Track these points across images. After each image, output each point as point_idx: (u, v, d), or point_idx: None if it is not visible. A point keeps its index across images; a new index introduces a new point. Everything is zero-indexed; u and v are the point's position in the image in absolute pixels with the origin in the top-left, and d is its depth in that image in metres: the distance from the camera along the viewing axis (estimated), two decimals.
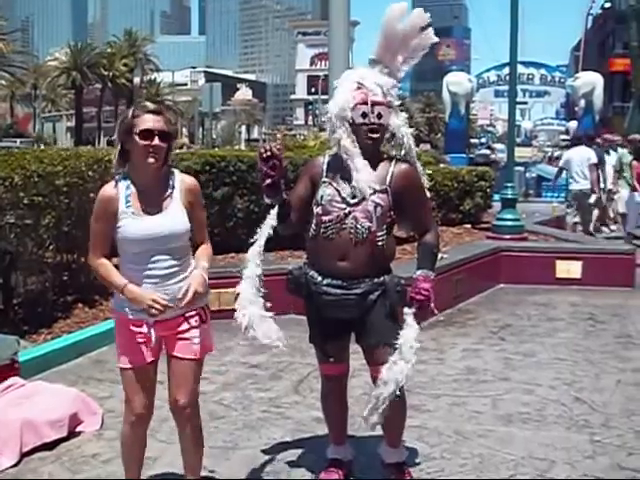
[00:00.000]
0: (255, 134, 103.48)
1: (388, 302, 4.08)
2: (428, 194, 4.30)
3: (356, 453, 4.59)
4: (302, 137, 25.35)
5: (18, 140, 48.53)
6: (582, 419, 5.49)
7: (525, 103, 29.44)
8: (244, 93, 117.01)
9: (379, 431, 4.30)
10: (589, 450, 4.93)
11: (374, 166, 4.04)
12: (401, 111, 4.23)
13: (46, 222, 7.26)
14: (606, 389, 6.18)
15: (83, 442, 5.03)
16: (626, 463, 4.74)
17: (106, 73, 76.84)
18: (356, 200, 3.99)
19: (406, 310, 4.07)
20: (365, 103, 4.00)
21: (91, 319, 7.63)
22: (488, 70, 28.87)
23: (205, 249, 3.92)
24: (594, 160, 14.92)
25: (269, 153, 3.74)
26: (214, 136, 57.69)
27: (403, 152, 4.14)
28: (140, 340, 3.74)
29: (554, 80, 28.38)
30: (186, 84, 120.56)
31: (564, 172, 15.77)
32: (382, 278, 4.09)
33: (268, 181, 3.81)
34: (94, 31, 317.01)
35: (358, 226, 3.96)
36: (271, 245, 9.32)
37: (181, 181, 3.79)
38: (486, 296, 9.89)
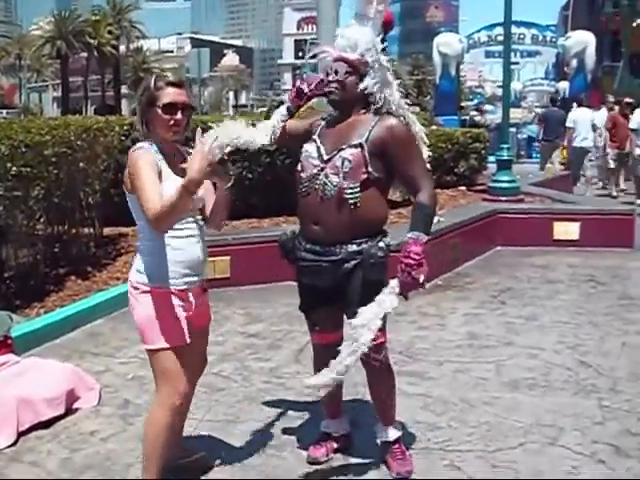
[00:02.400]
0: (243, 100, 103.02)
1: (361, 273, 3.88)
2: (424, 151, 4.12)
3: (355, 426, 4.49)
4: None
5: (4, 111, 47.97)
6: (589, 384, 5.40)
7: (517, 63, 29.14)
8: (231, 59, 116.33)
9: None
10: (598, 416, 4.85)
11: (350, 122, 3.94)
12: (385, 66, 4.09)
13: (35, 193, 7.10)
14: (611, 352, 6.10)
15: (80, 419, 4.91)
16: (636, 429, 4.65)
17: (92, 41, 76.05)
18: (330, 156, 3.88)
19: (392, 281, 3.79)
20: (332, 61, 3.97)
21: (84, 291, 7.49)
22: (479, 31, 28.49)
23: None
24: (596, 121, 17.49)
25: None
26: (202, 102, 57.31)
27: (384, 109, 3.97)
28: (185, 313, 3.59)
29: (545, 40, 28.06)
30: (172, 51, 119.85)
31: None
32: (362, 246, 3.89)
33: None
34: None
35: (327, 182, 3.84)
36: (265, 212, 9.28)
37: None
38: (484, 259, 9.78)
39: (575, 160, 17.58)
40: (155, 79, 3.59)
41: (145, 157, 3.49)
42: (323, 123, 4.09)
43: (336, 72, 3.90)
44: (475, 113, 23.23)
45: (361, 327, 3.68)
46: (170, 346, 3.54)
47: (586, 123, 17.28)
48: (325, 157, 3.89)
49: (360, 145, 3.84)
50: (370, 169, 3.83)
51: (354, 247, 3.87)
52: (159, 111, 3.52)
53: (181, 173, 3.47)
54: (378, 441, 4.21)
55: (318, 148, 3.94)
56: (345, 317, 4.05)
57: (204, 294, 3.79)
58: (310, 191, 3.90)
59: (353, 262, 3.87)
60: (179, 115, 3.53)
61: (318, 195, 3.86)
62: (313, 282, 3.99)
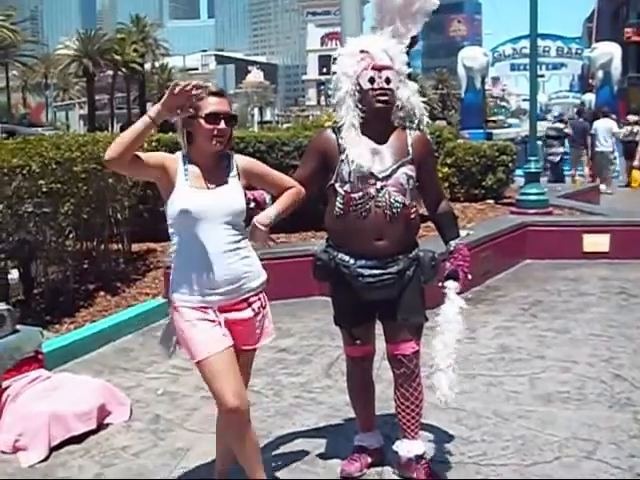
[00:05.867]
0: (268, 116, 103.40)
1: (423, 278, 4.00)
2: None
3: (389, 441, 4.38)
4: (314, 117, 25.11)
5: (39, 129, 48.02)
6: (624, 397, 5.32)
7: (542, 76, 28.97)
8: (255, 75, 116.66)
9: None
10: (634, 429, 4.77)
11: (388, 135, 3.93)
12: (412, 80, 4.10)
13: (65, 210, 7.13)
14: None
15: (112, 434, 4.91)
16: None
17: (118, 58, 76.59)
18: (386, 173, 3.84)
19: (449, 284, 4.00)
20: (372, 68, 3.85)
21: (114, 307, 7.52)
22: (504, 44, 28.42)
23: (291, 192, 3.78)
24: (615, 129, 20.29)
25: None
26: None
27: (416, 122, 4.02)
28: (209, 326, 3.50)
29: (571, 52, 27.92)
30: (197, 68, 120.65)
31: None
32: (415, 253, 3.99)
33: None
34: (103, 18, 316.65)
35: (392, 201, 3.82)
36: (293, 226, 9.26)
37: (239, 163, 3.64)
38: (513, 272, 9.70)
39: (599, 162, 20.35)
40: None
41: (167, 156, 3.56)
42: (339, 140, 3.91)
43: (387, 80, 3.84)
44: (562, 125, 22.84)
45: (451, 321, 3.96)
46: (204, 357, 3.47)
47: (606, 131, 20.05)
48: (380, 174, 3.84)
49: (412, 161, 3.90)
50: (417, 183, 3.95)
51: (411, 255, 3.98)
52: (202, 121, 3.43)
53: (212, 185, 3.51)
54: (402, 457, 4.14)
55: (364, 166, 3.83)
56: (385, 325, 4.09)
57: (247, 309, 3.65)
58: (374, 209, 3.83)
59: (412, 269, 3.97)
60: (222, 125, 3.45)
61: (385, 214, 3.83)
62: (376, 296, 3.95)
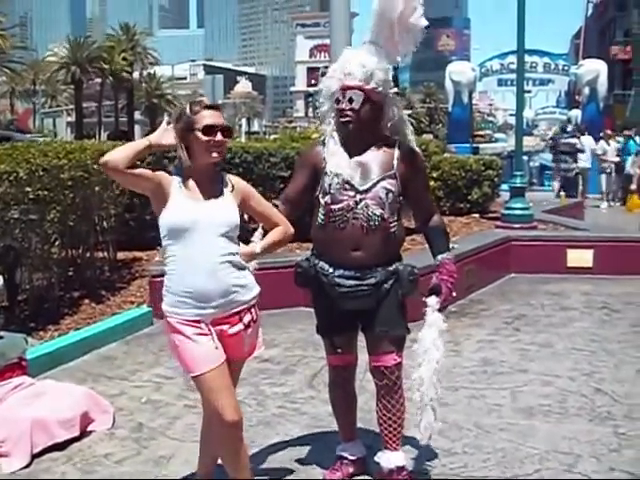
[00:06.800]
0: (255, 127, 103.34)
1: (400, 291, 4.01)
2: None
3: (371, 451, 4.41)
4: (302, 129, 25.13)
5: (28, 135, 47.77)
6: (604, 411, 5.37)
7: (529, 92, 29.14)
8: (244, 86, 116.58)
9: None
10: (614, 443, 4.81)
11: (374, 150, 3.97)
12: (400, 95, 4.15)
13: (51, 217, 7.13)
14: (626, 380, 6.05)
15: (95, 441, 4.91)
16: None
17: (106, 67, 76.43)
18: (366, 187, 3.90)
19: (430, 300, 4.02)
20: (341, 89, 3.93)
21: (98, 315, 7.51)
22: (491, 59, 28.56)
23: (278, 230, 3.87)
24: (594, 146, 21.40)
25: None
26: None
27: (401, 137, 4.07)
28: (204, 340, 3.51)
29: (557, 68, 28.09)
30: (185, 78, 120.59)
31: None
32: (394, 266, 4.02)
33: None
34: (93, 26, 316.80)
35: (370, 213, 3.88)
36: None
37: (233, 182, 3.68)
38: (497, 286, 9.76)
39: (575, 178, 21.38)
40: (191, 104, 3.57)
41: (162, 174, 3.56)
42: (325, 154, 4.00)
43: (350, 100, 3.89)
44: (575, 141, 21.91)
45: (429, 349, 4.03)
46: (202, 372, 3.49)
47: (588, 148, 21.22)
48: (360, 187, 3.89)
49: (395, 175, 3.93)
50: (400, 198, 3.98)
51: (389, 268, 3.99)
52: (199, 134, 3.48)
53: (205, 197, 3.53)
54: (384, 468, 4.14)
55: (344, 178, 3.91)
56: (368, 337, 4.12)
57: (238, 324, 3.64)
58: (352, 221, 3.90)
59: (390, 282, 3.99)
60: (219, 136, 3.50)
61: (362, 226, 3.89)
62: (351, 306, 4.00)
